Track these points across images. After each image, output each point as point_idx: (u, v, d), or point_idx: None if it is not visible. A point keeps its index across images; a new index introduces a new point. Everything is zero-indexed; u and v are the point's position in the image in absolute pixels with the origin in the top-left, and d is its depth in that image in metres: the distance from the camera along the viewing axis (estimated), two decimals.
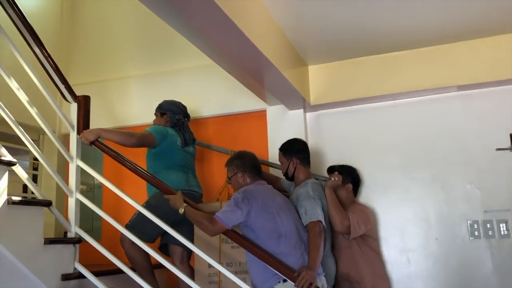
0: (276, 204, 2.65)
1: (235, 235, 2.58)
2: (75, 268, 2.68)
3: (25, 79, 2.65)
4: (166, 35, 4.04)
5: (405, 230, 3.55)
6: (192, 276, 3.06)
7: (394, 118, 3.72)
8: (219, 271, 2.79)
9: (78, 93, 2.97)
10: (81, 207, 2.87)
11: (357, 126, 3.81)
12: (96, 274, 2.71)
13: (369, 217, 3.15)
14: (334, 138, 3.85)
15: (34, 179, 4.26)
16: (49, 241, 2.53)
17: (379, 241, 3.44)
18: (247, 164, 2.82)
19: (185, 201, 2.65)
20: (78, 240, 2.75)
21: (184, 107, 3.48)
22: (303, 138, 3.76)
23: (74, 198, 2.82)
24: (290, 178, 3.12)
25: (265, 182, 2.85)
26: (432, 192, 3.54)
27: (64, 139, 3.70)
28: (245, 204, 2.53)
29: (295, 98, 3.62)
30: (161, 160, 3.16)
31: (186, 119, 3.44)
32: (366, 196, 3.64)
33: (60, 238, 2.91)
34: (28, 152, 4.23)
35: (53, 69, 2.81)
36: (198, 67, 4.03)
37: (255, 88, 3.51)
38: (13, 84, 2.52)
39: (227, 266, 3.02)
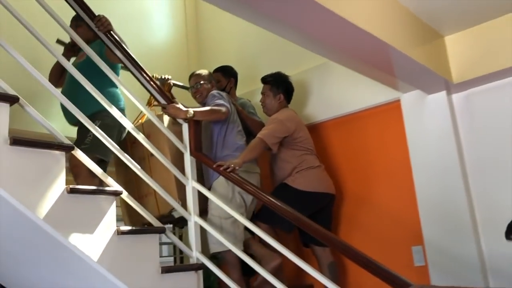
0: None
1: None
2: None
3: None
4: (273, 46, 3.76)
5: None
6: None
7: None
8: None
9: None
10: None
11: None
12: None
13: (284, 124, 3.14)
14: (493, 121, 3.07)
15: None
16: (166, 270, 2.40)
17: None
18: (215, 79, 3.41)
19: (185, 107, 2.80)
20: (200, 267, 2.59)
21: None
22: (452, 127, 3.14)
23: (193, 221, 2.69)
24: None
25: None
26: None
27: None
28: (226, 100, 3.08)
29: (432, 79, 3.00)
30: (107, 77, 2.71)
31: None
32: None
33: (179, 266, 2.80)
34: None
35: (157, 92, 2.77)
36: (309, 70, 3.66)
37: (382, 77, 3.01)
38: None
39: None
